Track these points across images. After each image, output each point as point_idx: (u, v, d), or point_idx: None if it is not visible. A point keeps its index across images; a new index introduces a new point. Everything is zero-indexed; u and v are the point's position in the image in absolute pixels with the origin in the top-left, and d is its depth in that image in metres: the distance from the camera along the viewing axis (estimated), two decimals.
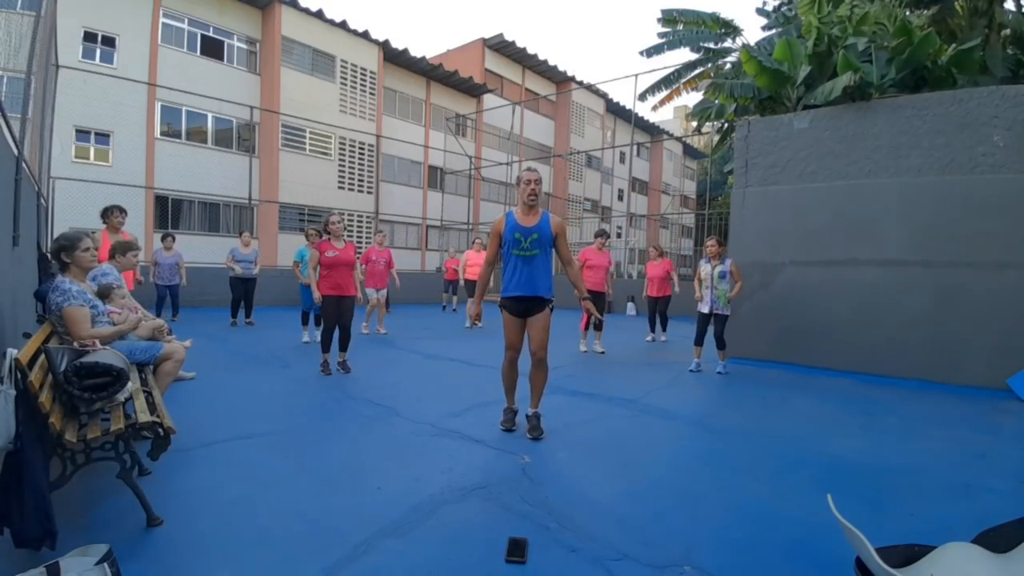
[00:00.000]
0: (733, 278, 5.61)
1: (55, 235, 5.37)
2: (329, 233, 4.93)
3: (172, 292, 8.10)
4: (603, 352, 6.80)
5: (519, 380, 3.51)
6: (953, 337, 5.34)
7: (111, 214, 5.10)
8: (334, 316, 4.95)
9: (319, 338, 6.55)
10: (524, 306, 3.35)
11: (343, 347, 5.09)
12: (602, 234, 7.06)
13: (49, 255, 2.95)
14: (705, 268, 5.74)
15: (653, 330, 8.46)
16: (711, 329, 5.72)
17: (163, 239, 8.22)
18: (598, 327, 6.89)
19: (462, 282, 9.94)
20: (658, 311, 8.33)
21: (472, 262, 9.45)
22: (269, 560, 1.84)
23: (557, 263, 3.56)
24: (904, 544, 1.59)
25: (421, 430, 3.36)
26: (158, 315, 7.82)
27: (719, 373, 5.69)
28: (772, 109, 7.48)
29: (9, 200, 3.14)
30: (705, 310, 5.72)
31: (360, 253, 6.92)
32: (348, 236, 5.83)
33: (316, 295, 4.96)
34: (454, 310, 12.13)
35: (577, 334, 7.32)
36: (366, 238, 18.01)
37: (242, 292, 8.21)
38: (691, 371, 5.77)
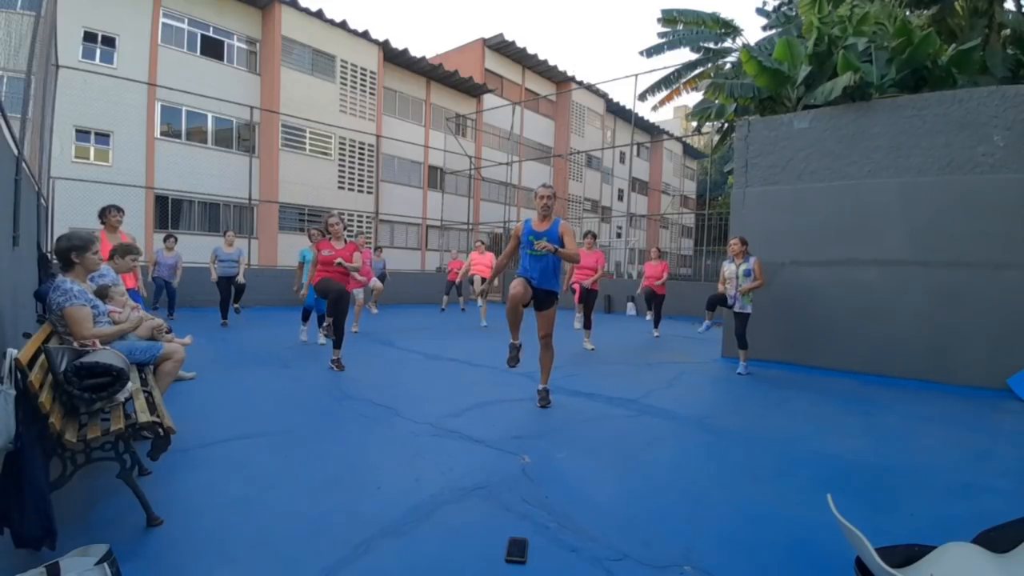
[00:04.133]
0: (755, 275, 5.60)
1: (55, 235, 5.37)
2: (329, 233, 5.02)
3: (169, 291, 8.11)
4: (593, 349, 7.02)
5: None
6: (953, 337, 5.33)
7: (109, 213, 5.10)
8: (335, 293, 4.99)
9: (319, 339, 6.60)
10: (533, 294, 3.90)
11: (337, 344, 5.15)
12: (589, 234, 7.41)
13: (54, 253, 2.95)
14: (729, 268, 5.78)
15: (649, 308, 8.94)
16: (732, 327, 5.85)
17: (165, 239, 8.25)
18: (587, 326, 7.16)
19: (459, 280, 10.66)
20: (652, 305, 8.72)
21: (476, 262, 9.69)
22: (269, 560, 1.84)
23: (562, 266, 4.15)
24: (904, 544, 1.58)
25: (421, 430, 3.36)
26: (155, 304, 7.87)
27: (739, 374, 5.66)
28: (772, 109, 7.48)
29: (9, 200, 3.14)
30: (729, 303, 5.77)
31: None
32: (348, 236, 5.91)
33: (299, 287, 5.48)
34: (443, 309, 12.35)
35: (569, 333, 7.40)
36: (366, 238, 18.08)
37: (228, 290, 8.28)
38: (700, 332, 6.12)
